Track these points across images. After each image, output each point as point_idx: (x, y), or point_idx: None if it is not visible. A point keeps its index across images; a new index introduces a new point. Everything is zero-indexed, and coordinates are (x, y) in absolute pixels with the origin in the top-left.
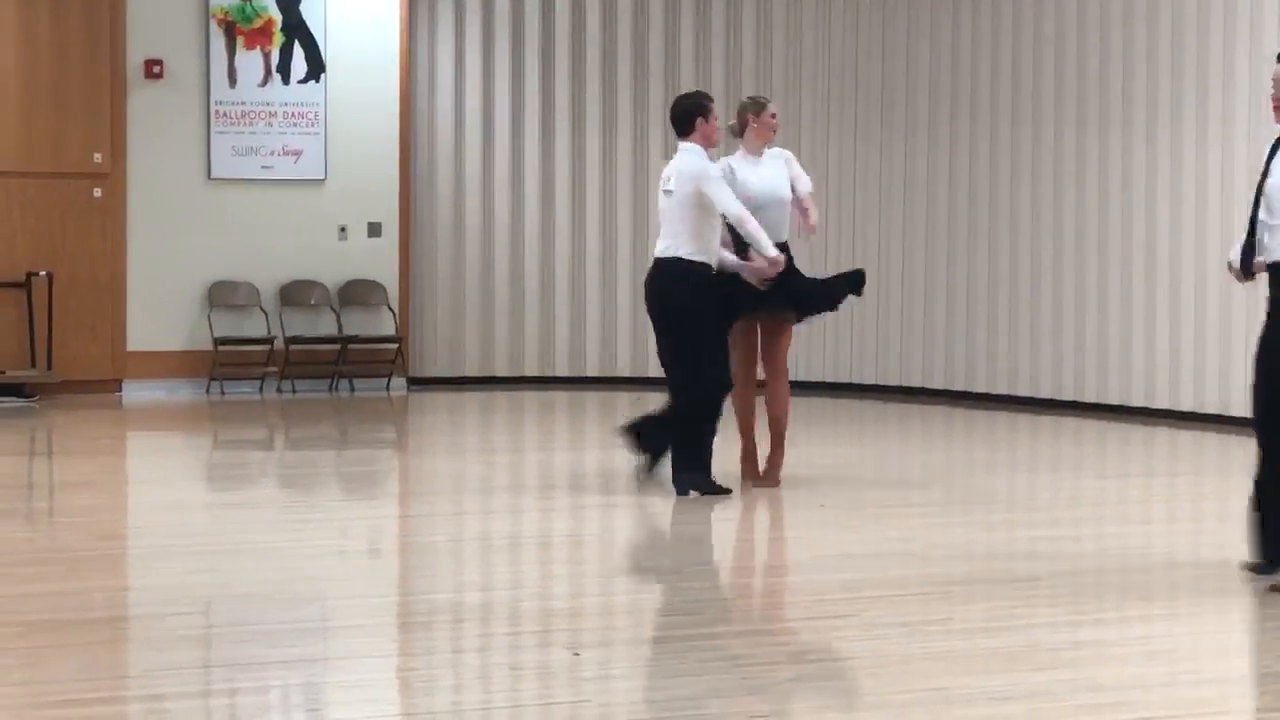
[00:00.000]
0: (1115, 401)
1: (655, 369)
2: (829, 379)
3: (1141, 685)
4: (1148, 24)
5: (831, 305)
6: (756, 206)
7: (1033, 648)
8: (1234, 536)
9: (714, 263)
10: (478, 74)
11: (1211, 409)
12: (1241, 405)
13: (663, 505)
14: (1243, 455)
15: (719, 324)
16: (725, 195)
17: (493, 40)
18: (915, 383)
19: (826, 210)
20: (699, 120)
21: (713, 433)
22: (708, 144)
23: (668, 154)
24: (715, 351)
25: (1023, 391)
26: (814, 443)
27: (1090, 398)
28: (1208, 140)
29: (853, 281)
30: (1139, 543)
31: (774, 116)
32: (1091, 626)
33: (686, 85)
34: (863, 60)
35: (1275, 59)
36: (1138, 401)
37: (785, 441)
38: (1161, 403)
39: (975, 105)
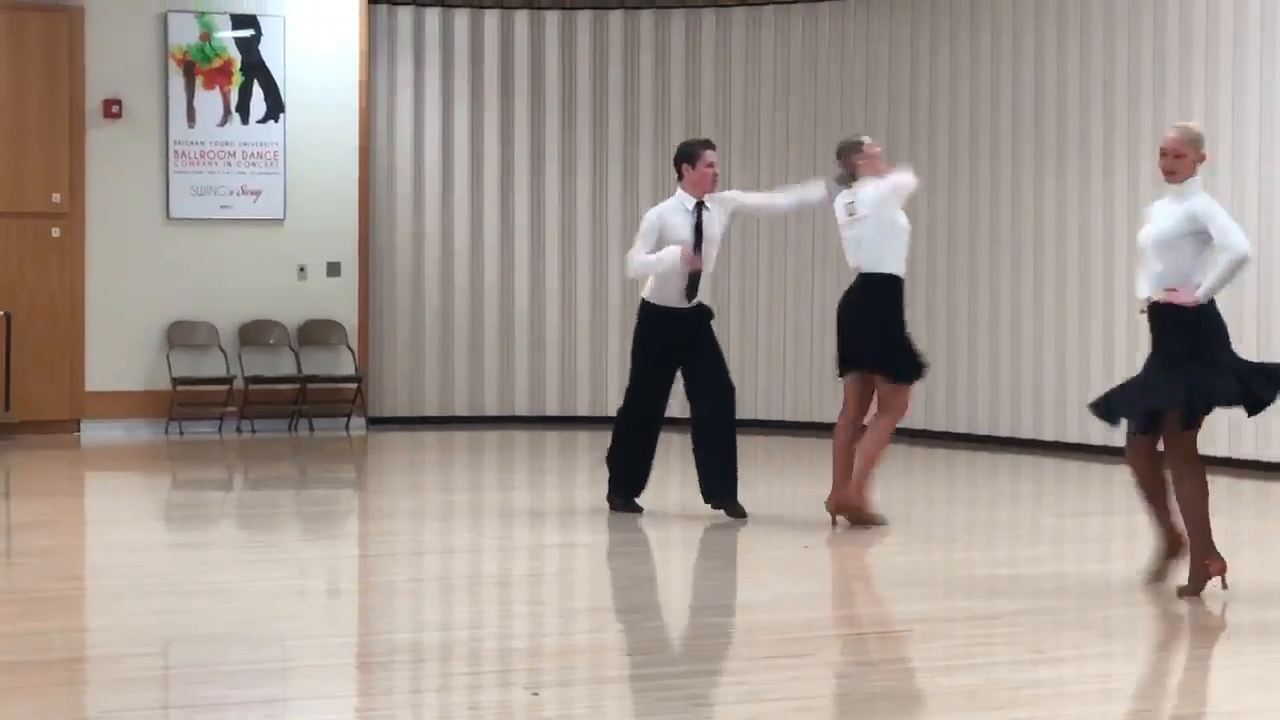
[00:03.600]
0: (1074, 440)
1: (616, 408)
2: (788, 418)
3: None
4: (1105, 60)
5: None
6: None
7: (992, 686)
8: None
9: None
10: (437, 114)
11: None
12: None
13: (622, 544)
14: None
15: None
16: (638, 252)
17: (452, 80)
18: None
19: (785, 247)
20: (685, 166)
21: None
22: (697, 190)
23: (625, 193)
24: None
25: (982, 430)
26: (774, 482)
27: (1049, 436)
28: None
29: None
30: (1098, 581)
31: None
32: (1050, 665)
33: (646, 124)
34: (821, 96)
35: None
36: (1097, 440)
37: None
38: (1121, 441)
39: (933, 141)
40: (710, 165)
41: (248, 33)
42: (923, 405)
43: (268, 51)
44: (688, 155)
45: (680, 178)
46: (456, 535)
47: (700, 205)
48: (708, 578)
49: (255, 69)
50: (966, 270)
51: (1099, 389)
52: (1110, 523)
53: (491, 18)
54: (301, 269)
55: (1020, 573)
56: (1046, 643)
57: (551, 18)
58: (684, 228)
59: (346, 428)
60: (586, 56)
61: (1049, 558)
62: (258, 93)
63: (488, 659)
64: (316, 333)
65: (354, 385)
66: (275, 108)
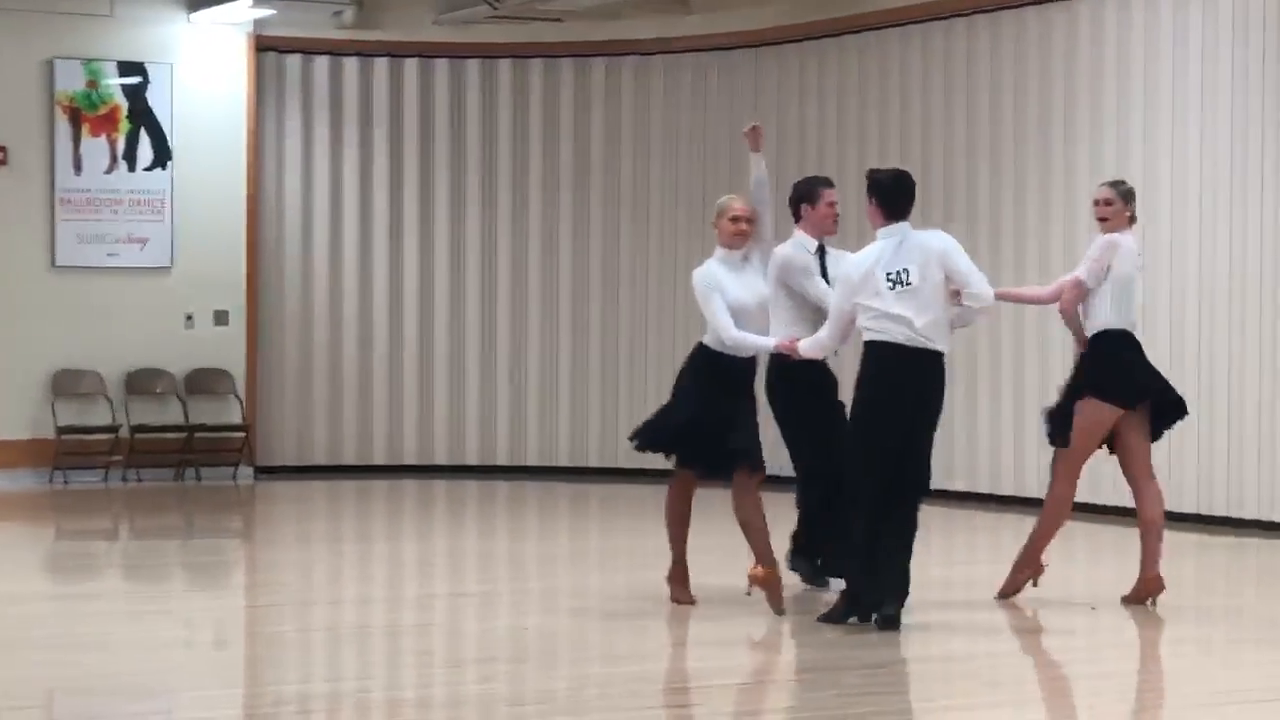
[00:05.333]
0: (962, 489)
1: (505, 457)
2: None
3: None
4: (991, 118)
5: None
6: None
7: None
8: (1079, 622)
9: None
10: (326, 161)
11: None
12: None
13: (510, 596)
14: (1110, 543)
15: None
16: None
17: (341, 127)
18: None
19: (676, 297)
20: (804, 206)
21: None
22: (818, 231)
23: (514, 239)
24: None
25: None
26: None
27: (961, 486)
28: (1049, 231)
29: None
30: (986, 629)
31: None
32: (938, 713)
33: (535, 168)
34: (710, 146)
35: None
36: (1008, 490)
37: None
38: (1007, 489)
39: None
40: (831, 204)
41: (135, 80)
42: None
43: (155, 99)
44: (807, 194)
45: (798, 219)
46: (344, 586)
47: (822, 249)
48: (595, 627)
49: (142, 116)
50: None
51: (1010, 437)
52: (1000, 573)
53: (380, 65)
54: (189, 317)
55: (908, 621)
56: (934, 691)
57: (441, 65)
58: (811, 269)
59: (234, 477)
60: (475, 103)
61: (936, 605)
62: (145, 140)
63: (375, 710)
64: (204, 381)
65: (241, 434)
66: (162, 155)
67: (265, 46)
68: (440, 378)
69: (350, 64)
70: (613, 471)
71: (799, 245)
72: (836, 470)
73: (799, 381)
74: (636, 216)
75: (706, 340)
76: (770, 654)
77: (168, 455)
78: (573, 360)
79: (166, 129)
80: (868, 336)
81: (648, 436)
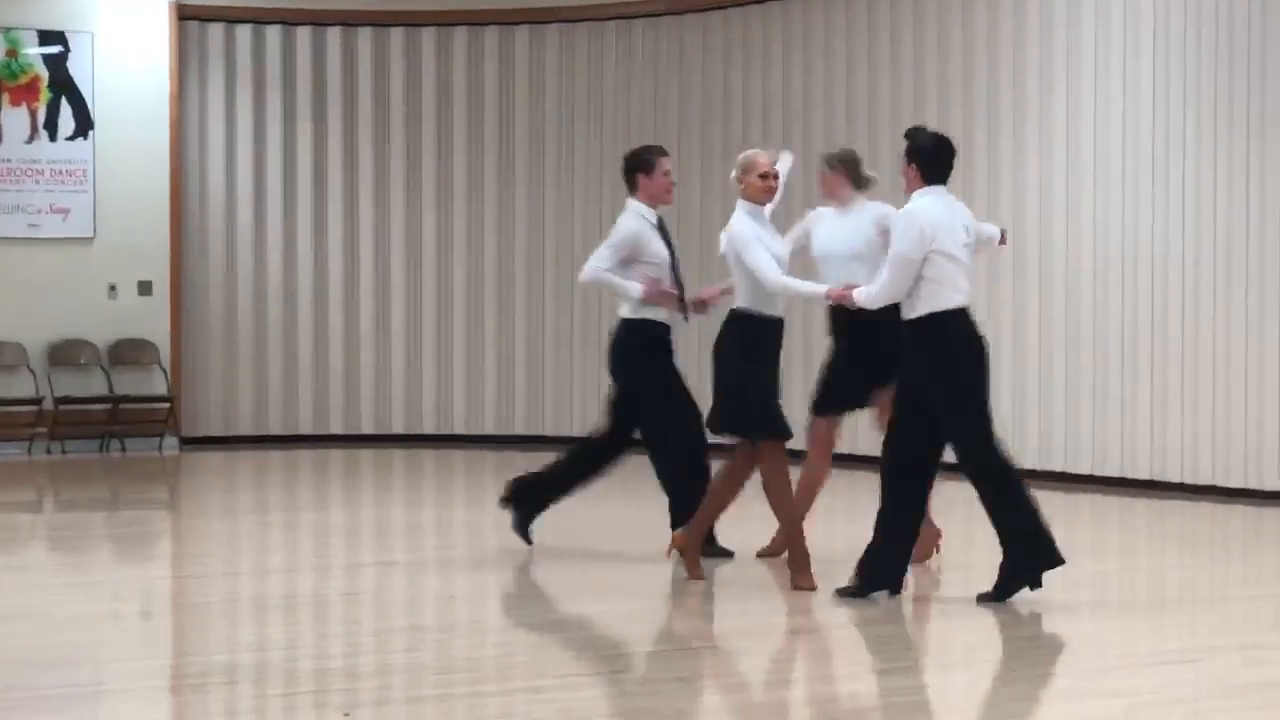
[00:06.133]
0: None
1: (432, 426)
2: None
3: None
4: (916, 86)
5: None
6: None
7: (809, 700)
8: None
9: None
10: (249, 130)
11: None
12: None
13: (436, 564)
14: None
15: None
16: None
17: (264, 96)
18: None
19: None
20: (640, 176)
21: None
22: (654, 201)
23: (439, 208)
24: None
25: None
26: (593, 498)
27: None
28: (972, 203)
29: None
30: (912, 595)
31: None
32: (869, 677)
33: (460, 138)
34: (635, 106)
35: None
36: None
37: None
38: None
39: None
40: (667, 173)
41: (55, 49)
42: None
43: (76, 68)
44: (643, 163)
45: (634, 188)
46: (271, 555)
47: (660, 220)
48: (522, 594)
49: (63, 85)
50: None
51: None
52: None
53: (304, 34)
54: (112, 288)
55: (840, 585)
56: (864, 656)
57: (364, 34)
58: (654, 239)
59: (159, 448)
60: (399, 71)
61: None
62: (66, 109)
63: (303, 680)
64: (128, 352)
65: (166, 405)
66: (84, 125)
67: (187, 15)
68: (366, 346)
69: (273, 32)
70: (539, 439)
71: (637, 214)
72: (696, 441)
73: (659, 351)
74: (561, 183)
75: (740, 305)
76: (698, 621)
77: (92, 427)
78: (498, 328)
79: (88, 98)
80: (926, 309)
81: (733, 423)
